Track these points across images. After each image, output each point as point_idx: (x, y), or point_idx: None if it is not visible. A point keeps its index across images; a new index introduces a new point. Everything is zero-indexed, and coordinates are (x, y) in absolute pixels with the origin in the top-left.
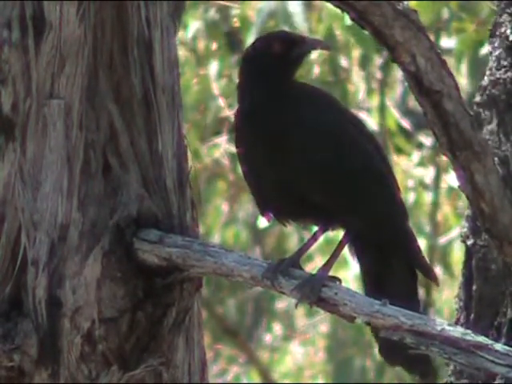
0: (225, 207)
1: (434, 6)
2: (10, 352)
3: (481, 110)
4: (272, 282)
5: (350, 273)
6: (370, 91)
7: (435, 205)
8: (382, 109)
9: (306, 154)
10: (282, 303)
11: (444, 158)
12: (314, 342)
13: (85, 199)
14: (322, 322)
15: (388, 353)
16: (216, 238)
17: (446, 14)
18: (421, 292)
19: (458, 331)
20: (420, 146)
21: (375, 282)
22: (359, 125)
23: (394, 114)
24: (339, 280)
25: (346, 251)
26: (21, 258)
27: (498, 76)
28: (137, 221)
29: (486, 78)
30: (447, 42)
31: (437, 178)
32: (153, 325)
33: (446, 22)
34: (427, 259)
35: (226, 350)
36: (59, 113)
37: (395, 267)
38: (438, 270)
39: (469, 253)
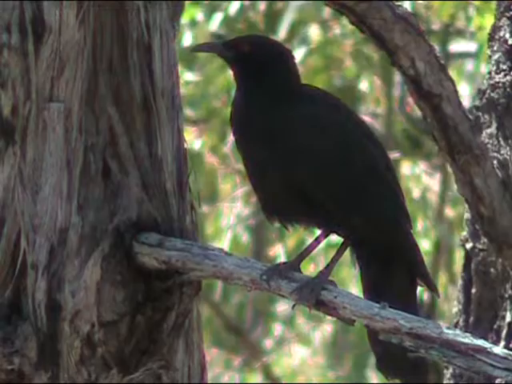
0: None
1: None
2: (10, 355)
3: (480, 113)
4: (268, 282)
5: (350, 275)
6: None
7: (441, 210)
8: (390, 114)
9: (310, 154)
10: (282, 306)
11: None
12: (312, 344)
13: (84, 203)
14: (325, 324)
15: (385, 366)
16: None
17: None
18: (425, 296)
19: (457, 334)
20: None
21: (375, 289)
22: (365, 127)
23: (402, 119)
24: (335, 284)
25: (347, 254)
26: (20, 261)
27: (497, 80)
28: (136, 224)
29: (485, 81)
30: (465, 45)
31: (443, 184)
32: (152, 328)
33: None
34: (428, 270)
35: (222, 353)
36: (59, 116)
37: (396, 275)
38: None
39: (468, 256)
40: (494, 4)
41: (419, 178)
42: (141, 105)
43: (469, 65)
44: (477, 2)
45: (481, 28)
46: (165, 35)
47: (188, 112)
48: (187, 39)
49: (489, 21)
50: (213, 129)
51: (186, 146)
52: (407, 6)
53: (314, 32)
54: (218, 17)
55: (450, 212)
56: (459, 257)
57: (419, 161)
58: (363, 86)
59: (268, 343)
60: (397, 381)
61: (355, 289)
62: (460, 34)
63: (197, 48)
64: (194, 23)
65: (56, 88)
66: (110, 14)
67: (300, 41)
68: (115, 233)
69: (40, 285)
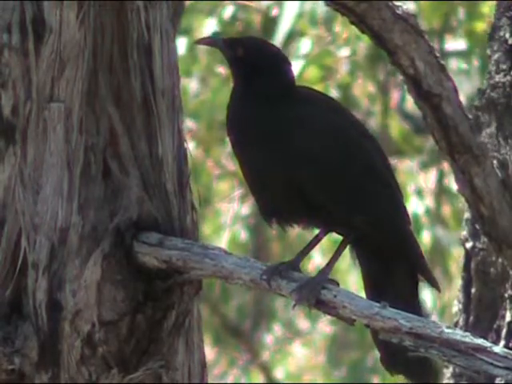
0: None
1: (443, 6)
2: (11, 355)
3: (480, 113)
4: (268, 282)
5: (351, 275)
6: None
7: (438, 208)
8: (385, 112)
9: (308, 155)
10: (282, 304)
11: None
12: (315, 344)
13: (85, 202)
14: (325, 324)
15: (389, 362)
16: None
17: (455, 16)
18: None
19: (457, 334)
20: (420, 149)
21: (376, 286)
22: (361, 127)
23: (397, 117)
24: (337, 283)
25: (347, 254)
26: (21, 261)
27: (497, 79)
28: (137, 224)
29: (485, 81)
30: (456, 44)
31: (439, 182)
32: (153, 327)
33: (457, 23)
34: (429, 265)
35: (225, 352)
36: (59, 116)
37: (397, 272)
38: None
39: (468, 256)
40: (484, 7)
41: (415, 178)
42: (141, 105)
43: (453, 63)
44: (464, 3)
45: (471, 32)
46: (165, 35)
47: (189, 123)
48: (180, 47)
49: (478, 24)
50: (206, 132)
51: (186, 145)
52: (410, 5)
53: (307, 44)
54: (212, 22)
55: (447, 211)
56: (453, 256)
57: (411, 160)
58: (359, 86)
59: (268, 344)
60: (401, 377)
61: (356, 287)
62: (449, 32)
63: (199, 41)
64: (187, 31)
65: (56, 88)
66: (110, 14)
67: (294, 54)
68: (115, 232)
69: (40, 284)
